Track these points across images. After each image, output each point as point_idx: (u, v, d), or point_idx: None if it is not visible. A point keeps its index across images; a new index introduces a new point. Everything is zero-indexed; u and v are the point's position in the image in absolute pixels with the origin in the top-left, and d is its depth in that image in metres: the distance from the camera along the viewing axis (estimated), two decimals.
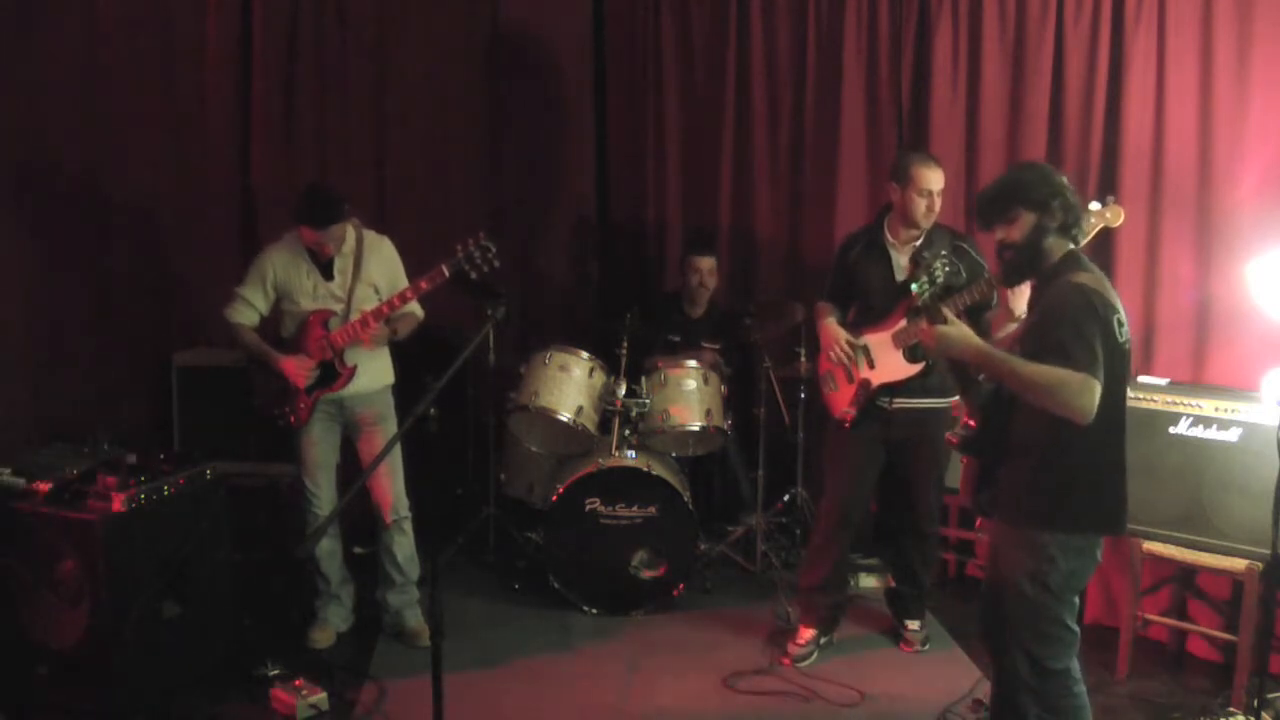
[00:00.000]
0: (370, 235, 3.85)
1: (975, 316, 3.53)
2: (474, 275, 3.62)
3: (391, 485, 3.90)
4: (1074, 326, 2.47)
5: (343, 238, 3.73)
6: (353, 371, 3.77)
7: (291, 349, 3.76)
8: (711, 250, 4.86)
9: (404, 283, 3.83)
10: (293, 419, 3.81)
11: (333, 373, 3.76)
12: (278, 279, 3.77)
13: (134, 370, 4.74)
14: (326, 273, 3.76)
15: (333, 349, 3.73)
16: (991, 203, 2.68)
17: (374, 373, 3.87)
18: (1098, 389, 2.44)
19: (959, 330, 2.63)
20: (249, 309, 3.80)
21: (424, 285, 3.67)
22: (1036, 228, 2.60)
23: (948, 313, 2.68)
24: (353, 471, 3.90)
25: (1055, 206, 2.59)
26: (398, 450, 3.88)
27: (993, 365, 2.58)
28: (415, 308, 3.85)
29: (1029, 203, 2.60)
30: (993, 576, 2.78)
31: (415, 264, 3.87)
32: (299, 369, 3.72)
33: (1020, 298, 3.23)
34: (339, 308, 3.76)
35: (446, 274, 3.62)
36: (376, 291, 3.81)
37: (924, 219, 3.65)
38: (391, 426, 3.89)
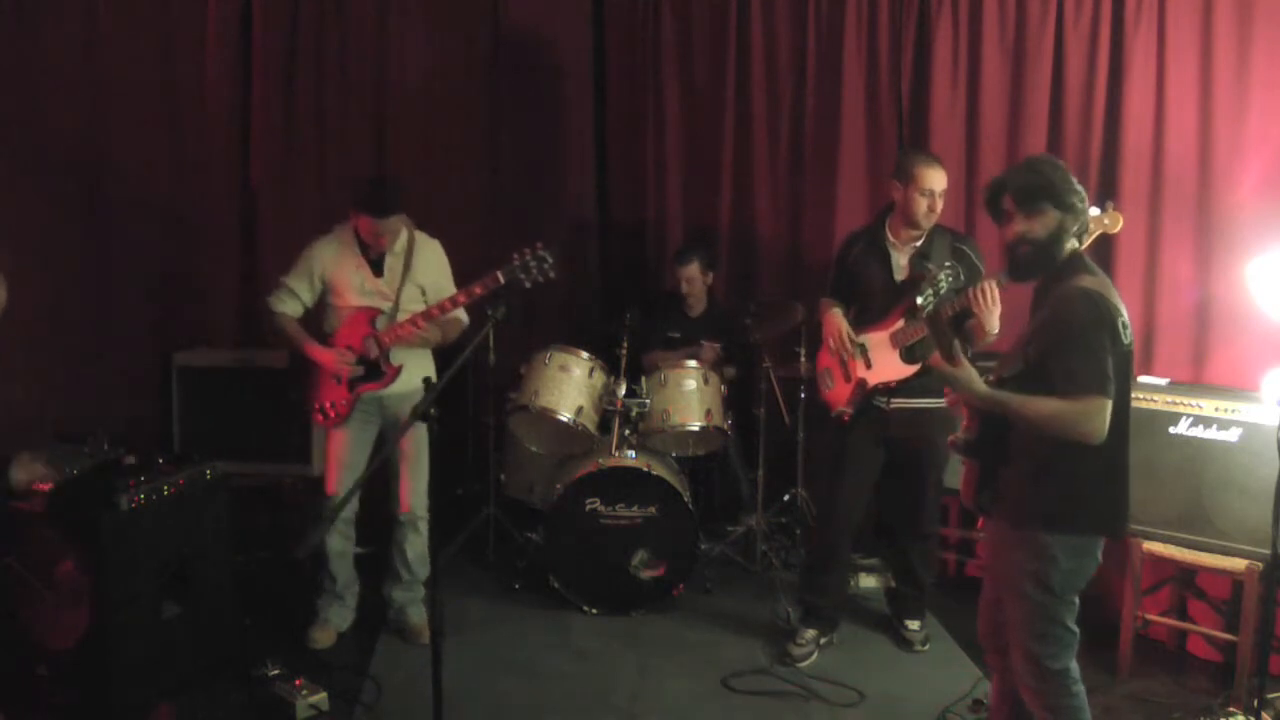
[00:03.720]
0: (421, 236, 3.84)
1: (959, 323, 3.53)
2: (528, 284, 3.59)
3: (413, 484, 3.89)
4: (1082, 343, 2.46)
5: (399, 231, 3.71)
6: (398, 371, 3.74)
7: (332, 343, 3.75)
8: (691, 257, 4.78)
9: (450, 286, 3.82)
10: (332, 414, 3.79)
11: (377, 371, 3.75)
12: (325, 271, 3.75)
13: (134, 370, 4.74)
14: (376, 269, 3.75)
15: (379, 347, 3.72)
16: (1022, 192, 2.60)
17: (417, 372, 3.83)
18: (1108, 407, 2.44)
19: (966, 374, 2.61)
20: (293, 299, 3.79)
21: (478, 290, 3.63)
22: (1058, 229, 2.58)
23: (959, 353, 2.65)
24: (378, 470, 3.88)
25: (1079, 210, 2.58)
26: (425, 449, 3.83)
27: (998, 408, 2.58)
28: (461, 313, 3.83)
29: (1058, 202, 2.57)
30: (993, 577, 2.78)
31: None
32: (340, 362, 3.71)
33: (993, 315, 3.22)
34: (386, 306, 3.75)
35: (501, 280, 3.59)
36: (423, 293, 3.80)
37: (925, 219, 3.64)
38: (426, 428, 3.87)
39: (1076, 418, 2.44)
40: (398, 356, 3.76)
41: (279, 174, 4.97)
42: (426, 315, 3.68)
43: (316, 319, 3.86)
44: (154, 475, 3.44)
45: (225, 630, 3.71)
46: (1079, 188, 2.61)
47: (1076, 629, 2.63)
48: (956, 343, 2.65)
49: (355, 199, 3.66)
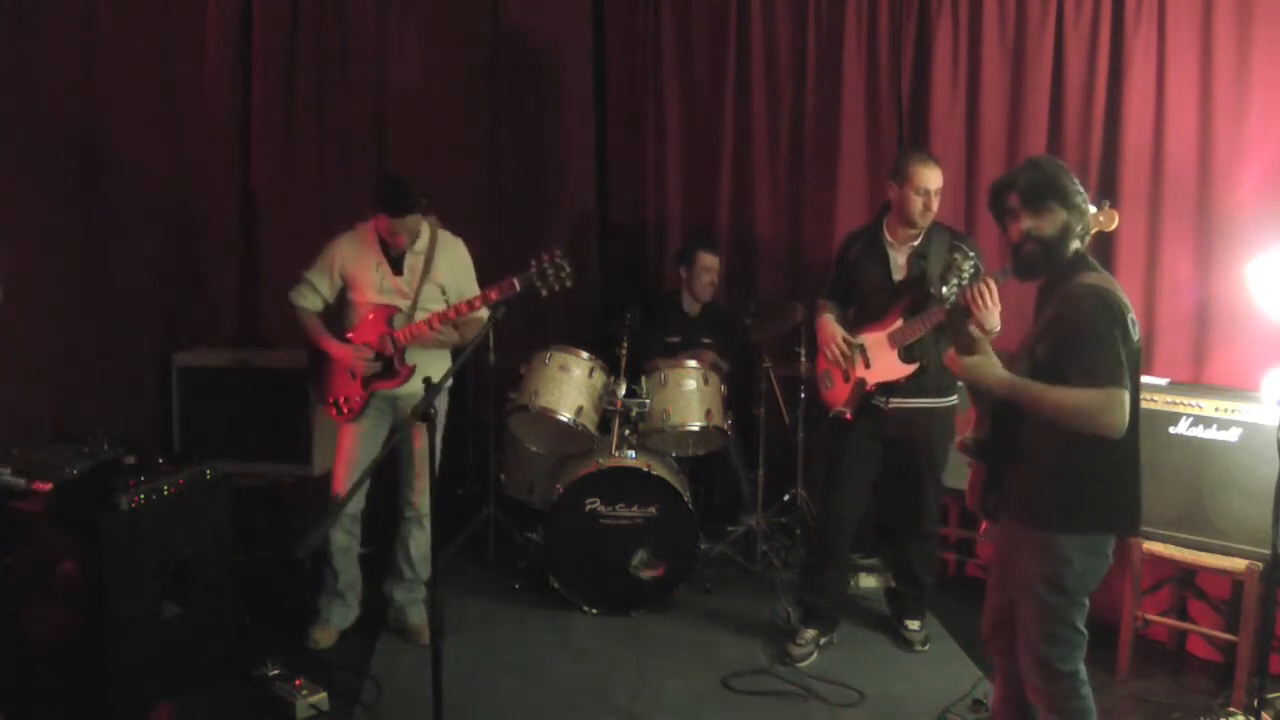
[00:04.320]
0: (445, 235, 3.85)
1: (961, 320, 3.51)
2: (545, 292, 3.55)
3: (420, 482, 3.89)
4: (1096, 337, 2.45)
5: (417, 230, 3.72)
6: (411, 370, 3.74)
7: (352, 340, 3.77)
8: (715, 246, 4.88)
9: (472, 287, 3.83)
10: (346, 409, 3.80)
11: (391, 369, 3.76)
12: (345, 268, 3.77)
13: (134, 370, 4.74)
14: (396, 267, 3.76)
15: (394, 346, 3.73)
16: (1029, 190, 2.59)
17: (433, 372, 3.84)
18: (1126, 399, 2.44)
19: (986, 361, 2.61)
20: (313, 294, 3.82)
21: (493, 296, 3.62)
22: (1065, 228, 2.58)
23: (977, 337, 2.64)
24: (385, 468, 3.88)
25: (1084, 209, 2.59)
26: (435, 449, 3.86)
27: (1018, 395, 2.57)
28: (483, 312, 3.82)
29: (1065, 201, 2.57)
30: (1001, 579, 2.77)
31: None
32: (356, 358, 3.73)
33: (993, 313, 3.20)
34: (404, 304, 3.76)
35: (517, 287, 3.57)
36: (443, 292, 3.80)
37: (920, 218, 3.64)
38: (439, 425, 3.87)
39: (1101, 407, 2.43)
40: (413, 356, 3.76)
41: (279, 174, 4.97)
42: (443, 317, 3.69)
43: (338, 315, 3.87)
44: (154, 475, 3.44)
45: (225, 630, 3.71)
46: (1081, 188, 2.61)
47: (1085, 631, 2.62)
48: (974, 334, 2.64)
49: (373, 197, 3.67)
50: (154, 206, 4.81)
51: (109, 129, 4.69)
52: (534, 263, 3.55)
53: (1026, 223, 2.60)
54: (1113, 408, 2.43)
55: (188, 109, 4.85)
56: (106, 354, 4.70)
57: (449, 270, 3.82)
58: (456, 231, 3.94)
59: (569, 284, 3.56)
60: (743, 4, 4.89)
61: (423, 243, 3.77)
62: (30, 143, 4.48)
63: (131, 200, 4.75)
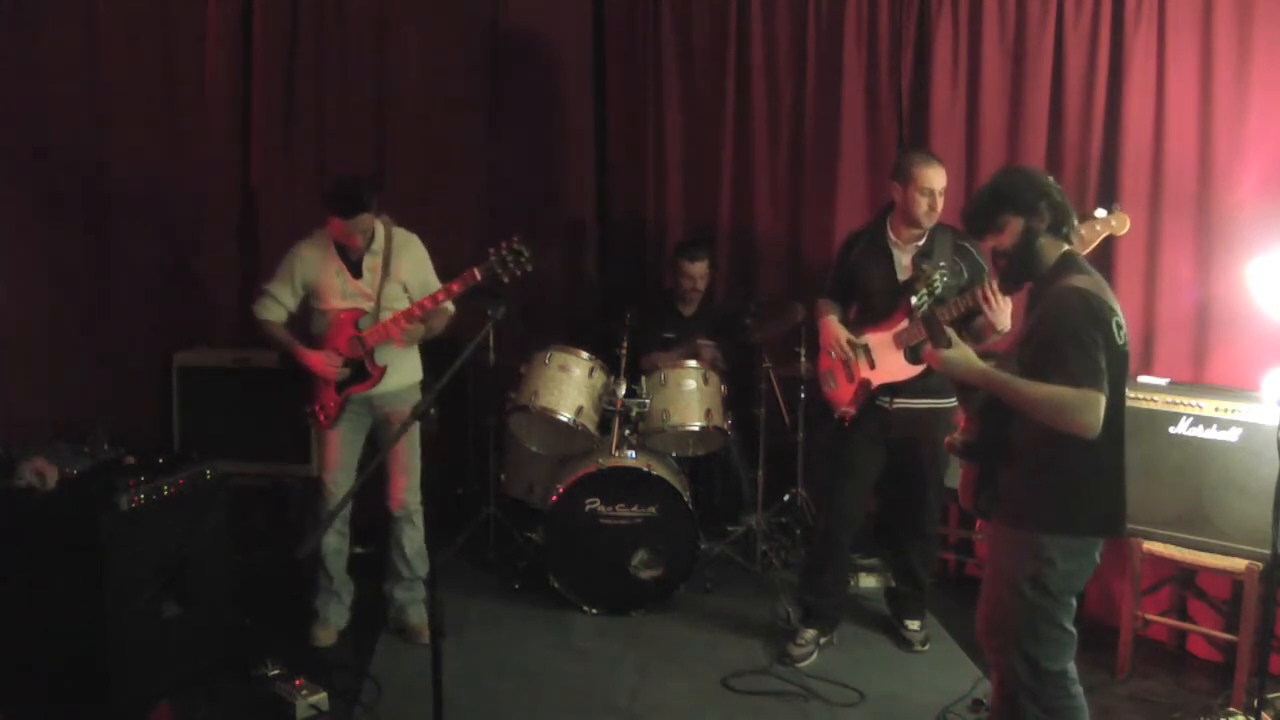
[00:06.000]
0: (400, 233, 3.85)
1: (967, 321, 3.54)
2: (506, 279, 3.60)
3: (406, 480, 3.90)
4: (1075, 338, 2.46)
5: (370, 229, 3.71)
6: (383, 371, 3.76)
7: (321, 347, 3.78)
8: (703, 254, 4.82)
9: (434, 281, 3.84)
10: (322, 416, 3.82)
11: (363, 372, 3.77)
12: (306, 277, 3.77)
13: (134, 370, 4.74)
14: (356, 271, 3.76)
15: (363, 348, 3.73)
16: (978, 213, 2.68)
17: (404, 371, 3.87)
18: (1102, 402, 2.45)
19: (962, 354, 2.64)
20: (276, 305, 3.81)
21: (455, 288, 3.66)
22: (1026, 231, 2.61)
23: (951, 334, 2.68)
24: (377, 468, 3.89)
25: (1042, 208, 2.60)
26: (416, 445, 3.90)
27: (996, 388, 2.59)
28: (448, 305, 3.84)
29: (1015, 208, 2.60)
30: (991, 578, 2.78)
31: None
32: (327, 365, 3.73)
33: (1003, 313, 3.26)
34: (369, 306, 3.76)
35: (478, 277, 3.61)
36: (405, 290, 3.81)
37: (926, 218, 3.65)
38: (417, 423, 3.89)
39: (1073, 406, 2.44)
40: (383, 356, 3.77)
41: (279, 174, 4.96)
42: (409, 315, 3.70)
43: (305, 322, 3.87)
44: (154, 475, 3.45)
45: (225, 630, 3.71)
46: (1044, 185, 2.63)
47: (1074, 630, 2.64)
48: (948, 329, 2.67)
49: (323, 199, 3.67)
50: (154, 206, 4.80)
51: (109, 129, 4.69)
52: (492, 251, 3.60)
53: (990, 242, 2.68)
54: (1086, 408, 2.44)
55: (188, 109, 4.84)
56: (106, 354, 4.70)
57: (409, 268, 3.83)
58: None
59: (529, 268, 3.61)
60: (743, 4, 4.88)
61: (379, 242, 3.77)
62: (30, 143, 4.48)
63: (131, 200, 4.74)
